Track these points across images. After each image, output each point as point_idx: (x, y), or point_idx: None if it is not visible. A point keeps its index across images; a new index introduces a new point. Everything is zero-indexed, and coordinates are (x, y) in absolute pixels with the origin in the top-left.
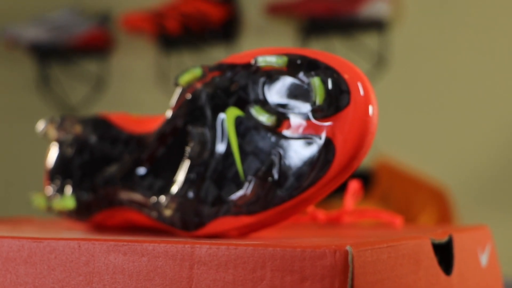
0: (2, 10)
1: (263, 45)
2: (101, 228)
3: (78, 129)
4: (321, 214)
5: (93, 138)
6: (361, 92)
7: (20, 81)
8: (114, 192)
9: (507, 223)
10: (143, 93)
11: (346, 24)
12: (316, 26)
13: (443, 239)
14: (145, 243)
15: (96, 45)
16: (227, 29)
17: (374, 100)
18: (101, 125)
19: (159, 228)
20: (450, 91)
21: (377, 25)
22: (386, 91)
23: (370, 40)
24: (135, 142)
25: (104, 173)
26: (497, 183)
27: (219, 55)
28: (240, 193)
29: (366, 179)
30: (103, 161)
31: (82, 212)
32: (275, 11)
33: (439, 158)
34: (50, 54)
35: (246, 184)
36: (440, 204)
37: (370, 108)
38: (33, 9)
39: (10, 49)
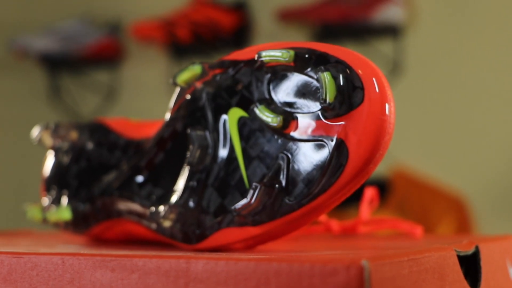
0: (11, 21)
1: None
2: (100, 241)
3: (74, 135)
4: (335, 224)
5: (90, 145)
6: (376, 88)
7: (31, 92)
8: (111, 202)
9: None
10: (154, 102)
11: (359, 29)
12: (329, 32)
13: (469, 250)
14: (135, 258)
15: (106, 55)
16: (239, 37)
17: (390, 97)
18: (98, 130)
19: (160, 241)
20: (468, 97)
21: (391, 31)
22: (402, 97)
23: (384, 46)
24: (134, 148)
25: (101, 182)
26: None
27: None
28: (244, 201)
29: (382, 187)
30: (101, 169)
31: (79, 224)
32: (287, 17)
33: (457, 166)
34: (60, 65)
35: (251, 192)
36: (458, 214)
37: (387, 106)
38: (43, 19)
39: (20, 60)
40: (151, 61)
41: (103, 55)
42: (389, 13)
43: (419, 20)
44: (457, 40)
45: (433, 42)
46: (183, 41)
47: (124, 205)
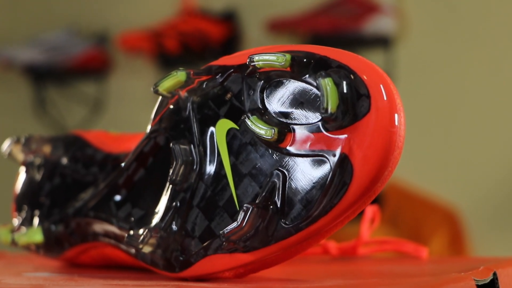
0: None
1: None
2: (74, 266)
3: (47, 149)
4: (333, 246)
5: (64, 160)
6: (384, 96)
7: (16, 104)
8: (86, 224)
9: None
10: (142, 114)
11: (350, 40)
12: (319, 43)
13: (487, 278)
14: None
15: (93, 66)
16: (228, 47)
17: (400, 107)
18: (74, 144)
19: (141, 267)
20: (459, 108)
21: (382, 42)
22: None
23: (375, 57)
24: (112, 163)
25: (76, 201)
26: (509, 203)
27: None
28: (234, 225)
29: (374, 200)
30: (76, 186)
31: (51, 248)
32: (277, 28)
33: (450, 178)
34: (46, 76)
35: (242, 214)
36: (451, 227)
37: (396, 117)
38: (28, 30)
39: (5, 72)
40: (138, 72)
41: (90, 66)
42: (380, 24)
43: (410, 31)
44: (448, 52)
45: (424, 53)
46: (171, 52)
47: (100, 227)
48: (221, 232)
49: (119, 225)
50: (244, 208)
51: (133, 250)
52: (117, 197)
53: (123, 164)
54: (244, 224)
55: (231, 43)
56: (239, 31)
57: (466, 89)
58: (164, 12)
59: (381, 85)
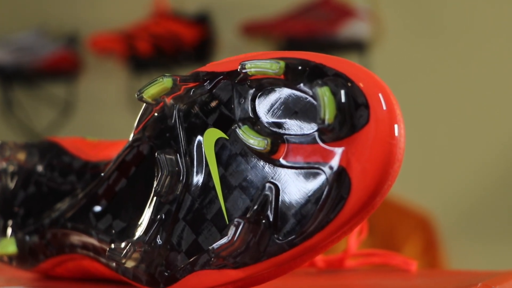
0: None
1: None
2: (49, 278)
3: (21, 156)
4: (319, 258)
5: (39, 167)
6: (384, 105)
7: None
8: (63, 235)
9: (493, 251)
10: (113, 118)
11: (325, 44)
12: (294, 47)
13: None
14: None
15: (63, 68)
16: (201, 50)
17: (400, 117)
18: (50, 151)
19: (121, 280)
20: (433, 114)
21: (357, 46)
22: None
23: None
24: (90, 171)
25: (52, 211)
26: (483, 211)
27: None
28: (224, 241)
29: None
30: (52, 196)
31: (25, 259)
32: (251, 31)
33: (423, 184)
34: (13, 77)
35: (233, 229)
36: (425, 233)
37: (396, 128)
38: None
39: None
40: (109, 74)
41: (59, 67)
42: (355, 29)
43: (385, 36)
44: (423, 56)
45: (399, 57)
46: (143, 55)
47: (78, 239)
48: (210, 247)
49: (98, 237)
50: (235, 222)
51: (114, 264)
52: (97, 208)
53: (103, 174)
54: (235, 239)
55: (205, 46)
56: (213, 34)
57: (441, 94)
58: (136, 14)
59: (380, 94)
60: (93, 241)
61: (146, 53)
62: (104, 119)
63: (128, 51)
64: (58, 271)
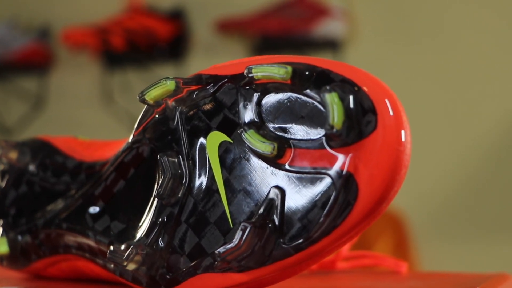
0: None
1: (213, 63)
2: (41, 279)
3: (13, 155)
4: None
5: (31, 167)
6: (391, 111)
7: None
8: (58, 235)
9: (463, 250)
10: (85, 113)
11: (300, 43)
12: (269, 44)
13: None
14: None
15: (34, 61)
16: (175, 47)
17: (407, 123)
18: (42, 150)
19: (116, 281)
20: (408, 112)
21: (331, 45)
22: None
23: None
24: (85, 172)
25: (46, 211)
26: (454, 210)
27: (166, 73)
28: (231, 245)
29: None
30: (45, 195)
31: (17, 259)
32: (226, 28)
33: None
34: None
35: (240, 233)
36: (396, 232)
37: (403, 134)
38: None
39: None
40: (82, 69)
41: (31, 61)
42: (329, 28)
43: (359, 35)
44: (397, 55)
45: (373, 56)
46: (117, 49)
47: (73, 240)
48: (216, 251)
49: (96, 239)
50: (242, 227)
51: (112, 266)
52: (93, 209)
53: (100, 174)
54: (241, 243)
55: (179, 42)
56: (187, 30)
57: (412, 93)
58: (110, 8)
59: (386, 100)
60: (90, 242)
61: (120, 48)
62: (76, 114)
63: (102, 46)
64: (50, 271)
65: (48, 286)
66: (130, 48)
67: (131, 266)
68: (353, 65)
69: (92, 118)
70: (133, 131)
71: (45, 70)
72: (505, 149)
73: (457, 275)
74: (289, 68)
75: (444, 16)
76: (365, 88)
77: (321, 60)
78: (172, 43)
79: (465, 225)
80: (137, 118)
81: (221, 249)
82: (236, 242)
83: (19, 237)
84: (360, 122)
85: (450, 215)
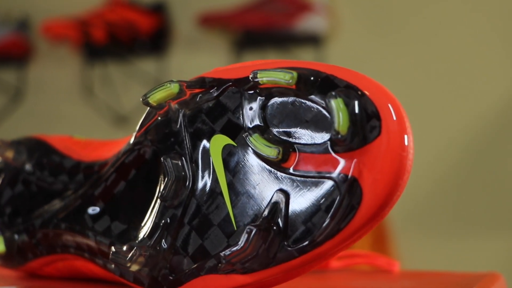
0: None
1: (195, 57)
2: (37, 278)
3: (9, 154)
4: None
5: (28, 166)
6: (394, 116)
7: None
8: (56, 235)
9: (444, 243)
10: (65, 105)
11: (282, 38)
12: (251, 39)
13: None
14: None
15: (13, 53)
16: (157, 40)
17: (409, 128)
18: (38, 149)
19: (114, 281)
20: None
21: (313, 40)
22: None
23: (306, 55)
24: (83, 172)
25: (44, 211)
26: (432, 205)
27: (147, 67)
28: (236, 247)
29: None
30: (42, 195)
31: (12, 258)
32: (208, 22)
33: None
34: None
35: (245, 236)
36: (374, 228)
37: (406, 139)
38: None
39: None
40: (62, 61)
41: (10, 53)
42: (311, 23)
43: (341, 30)
44: (378, 51)
45: (354, 52)
46: (98, 42)
47: (72, 240)
48: (222, 254)
49: (96, 239)
50: (248, 229)
51: (112, 266)
52: (93, 209)
53: (100, 175)
54: (247, 246)
55: (161, 36)
56: (169, 24)
57: (394, 88)
58: (91, 1)
59: (389, 105)
60: (89, 242)
61: (101, 41)
62: (55, 107)
63: (83, 38)
64: (46, 270)
65: (45, 285)
66: (111, 41)
67: (134, 267)
68: (357, 72)
69: (71, 111)
70: (135, 132)
71: (24, 62)
72: (485, 143)
73: (449, 274)
74: (295, 74)
75: (425, 11)
76: (368, 94)
77: (324, 66)
78: (153, 36)
79: (444, 220)
80: (117, 111)
81: (227, 252)
82: (242, 245)
83: (16, 236)
84: (365, 127)
85: (429, 209)
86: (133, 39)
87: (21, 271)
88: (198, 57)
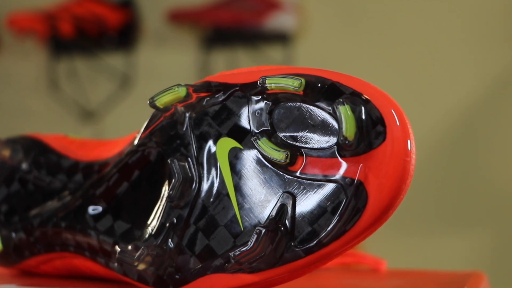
0: None
1: (163, 53)
2: (34, 276)
3: (6, 153)
4: None
5: (24, 165)
6: (397, 122)
7: None
8: (55, 233)
9: (408, 242)
10: (30, 100)
11: (251, 35)
12: (220, 36)
13: None
14: None
15: None
16: (125, 35)
17: (412, 133)
18: (34, 148)
19: (116, 279)
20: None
21: (282, 38)
22: None
23: (275, 53)
24: (82, 172)
25: (42, 209)
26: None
27: (115, 62)
28: (246, 248)
29: None
30: (40, 194)
31: (8, 256)
32: (177, 18)
33: None
34: None
35: (255, 237)
36: None
37: (409, 144)
38: None
39: None
40: (28, 55)
41: None
42: (280, 21)
43: (310, 29)
44: (346, 50)
45: (323, 50)
46: (65, 36)
47: (72, 238)
48: (231, 254)
49: (99, 238)
50: (257, 230)
51: (115, 264)
52: (95, 208)
53: (102, 175)
54: (256, 247)
55: (129, 31)
56: (137, 19)
57: None
58: None
59: (392, 110)
60: (91, 241)
61: (68, 35)
62: (21, 100)
63: (50, 32)
64: (43, 268)
65: (44, 282)
66: (78, 36)
67: (141, 266)
68: (361, 79)
69: (37, 105)
70: (139, 134)
71: None
72: (452, 142)
73: (436, 273)
74: (303, 80)
75: (394, 10)
76: (373, 101)
77: (330, 73)
78: (121, 31)
79: (407, 218)
80: (84, 106)
81: (236, 252)
82: (251, 245)
83: (13, 234)
84: (370, 133)
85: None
86: (101, 34)
87: (16, 269)
88: (167, 53)
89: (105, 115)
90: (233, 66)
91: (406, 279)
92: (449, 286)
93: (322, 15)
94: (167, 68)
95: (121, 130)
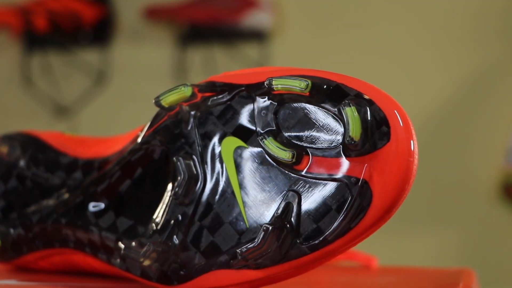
0: None
1: (139, 50)
2: (32, 272)
3: (3, 149)
4: None
5: (22, 161)
6: (401, 123)
7: None
8: (55, 230)
9: (392, 242)
10: (3, 95)
11: (227, 33)
12: (196, 33)
13: None
14: None
15: None
16: (100, 31)
17: (414, 134)
18: (31, 145)
19: (117, 275)
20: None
21: (258, 36)
22: None
23: (251, 51)
24: (82, 169)
25: (41, 206)
26: None
27: (90, 57)
28: (252, 244)
29: None
30: (38, 191)
31: (5, 252)
32: (153, 16)
33: None
34: None
35: (262, 234)
36: None
37: (412, 144)
38: None
39: None
40: (1, 50)
41: None
42: (257, 19)
43: (286, 27)
44: (322, 48)
45: (298, 48)
46: (39, 31)
47: (72, 234)
48: (238, 250)
49: (101, 234)
50: (264, 228)
51: (118, 260)
52: (96, 205)
53: (104, 172)
54: (263, 244)
55: (104, 26)
56: (113, 15)
57: None
58: None
59: (395, 111)
60: (92, 237)
61: (42, 30)
62: None
63: (23, 26)
64: (40, 264)
65: (43, 278)
66: (53, 30)
67: (147, 262)
68: (364, 80)
69: (10, 100)
70: (143, 132)
71: None
72: (422, 143)
73: (426, 270)
74: (309, 82)
75: (370, 9)
76: (377, 102)
77: (334, 74)
78: (97, 27)
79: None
80: (58, 102)
81: (243, 248)
82: (259, 242)
83: (11, 230)
84: (374, 134)
85: None
86: (76, 29)
87: (13, 264)
88: (142, 50)
89: (79, 111)
90: (209, 63)
91: (398, 276)
92: (441, 283)
93: (298, 14)
94: (142, 64)
95: (96, 126)
